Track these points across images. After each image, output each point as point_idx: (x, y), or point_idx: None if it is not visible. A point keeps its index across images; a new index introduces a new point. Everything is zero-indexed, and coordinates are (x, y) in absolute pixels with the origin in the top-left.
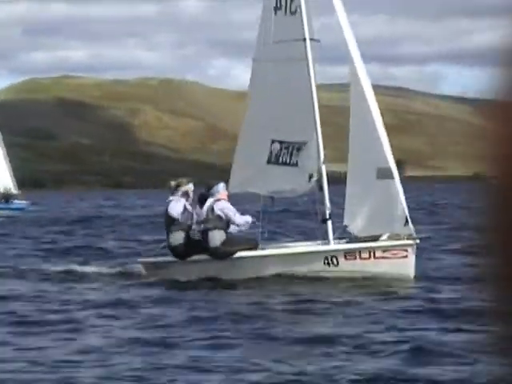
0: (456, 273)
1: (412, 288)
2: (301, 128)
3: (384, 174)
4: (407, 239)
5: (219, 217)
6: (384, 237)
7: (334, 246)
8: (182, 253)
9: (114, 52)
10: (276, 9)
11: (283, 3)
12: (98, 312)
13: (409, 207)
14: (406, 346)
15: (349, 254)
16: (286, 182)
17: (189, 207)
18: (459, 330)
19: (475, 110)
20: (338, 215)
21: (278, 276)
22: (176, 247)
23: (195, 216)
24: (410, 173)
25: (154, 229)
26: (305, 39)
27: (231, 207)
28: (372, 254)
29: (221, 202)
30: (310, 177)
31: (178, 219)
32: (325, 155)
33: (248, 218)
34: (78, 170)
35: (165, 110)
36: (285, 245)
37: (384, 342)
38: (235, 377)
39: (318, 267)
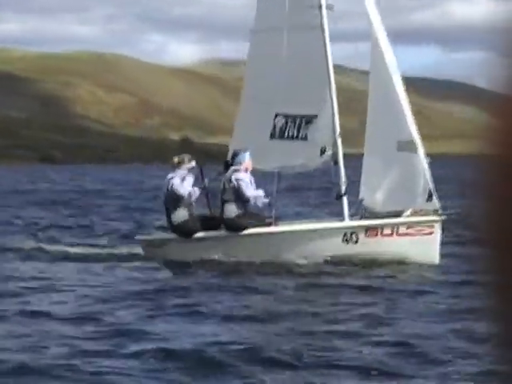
0: None
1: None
2: (310, 100)
3: (406, 147)
4: (433, 215)
5: (234, 187)
6: (407, 212)
7: (353, 221)
8: (187, 230)
9: (47, 26)
10: None
11: None
12: None
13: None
14: None
15: (370, 230)
16: (295, 157)
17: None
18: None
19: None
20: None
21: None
22: (180, 225)
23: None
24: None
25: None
26: (320, 6)
27: (247, 179)
28: (395, 230)
29: (238, 172)
30: (323, 151)
31: (182, 196)
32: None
33: (260, 193)
34: (10, 144)
35: (98, 84)
36: (299, 223)
37: None
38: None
39: (335, 245)
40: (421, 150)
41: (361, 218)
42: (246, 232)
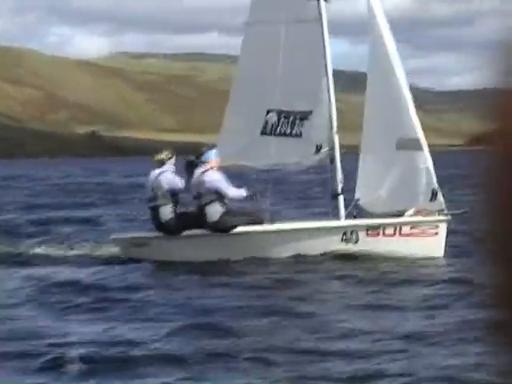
0: None
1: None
2: (305, 96)
3: (408, 144)
4: (439, 215)
5: (211, 189)
6: (410, 212)
7: (353, 221)
8: (174, 228)
9: None
10: None
11: None
12: None
13: None
14: None
15: (371, 230)
16: (289, 154)
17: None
18: None
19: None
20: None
21: (288, 254)
22: (166, 222)
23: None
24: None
25: None
26: None
27: (222, 178)
28: (398, 230)
29: (210, 173)
30: (319, 148)
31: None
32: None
33: (243, 192)
34: None
35: (4, 78)
36: (294, 221)
37: None
38: None
39: (334, 244)
40: (425, 148)
41: (354, 218)
42: (238, 230)
